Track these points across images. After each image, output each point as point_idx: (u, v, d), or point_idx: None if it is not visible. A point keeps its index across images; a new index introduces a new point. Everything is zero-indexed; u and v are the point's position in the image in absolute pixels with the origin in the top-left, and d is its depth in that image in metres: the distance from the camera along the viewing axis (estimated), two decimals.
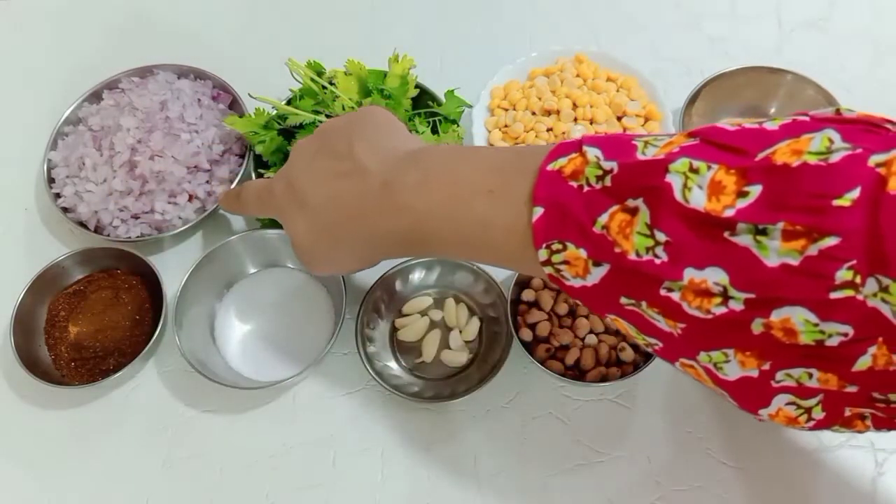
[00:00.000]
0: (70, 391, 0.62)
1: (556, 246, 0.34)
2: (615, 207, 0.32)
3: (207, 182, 0.67)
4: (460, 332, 0.63)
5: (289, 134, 0.65)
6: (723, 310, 0.29)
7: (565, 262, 0.34)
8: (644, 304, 0.32)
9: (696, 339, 0.31)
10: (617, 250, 0.32)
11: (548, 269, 0.35)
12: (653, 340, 0.34)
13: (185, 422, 0.61)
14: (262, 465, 0.59)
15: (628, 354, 0.58)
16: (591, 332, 0.59)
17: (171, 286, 0.63)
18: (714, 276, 0.29)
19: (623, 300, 0.33)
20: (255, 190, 0.52)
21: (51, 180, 0.68)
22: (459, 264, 0.63)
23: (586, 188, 0.33)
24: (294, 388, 0.62)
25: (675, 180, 0.30)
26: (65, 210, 0.66)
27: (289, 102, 0.67)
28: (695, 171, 0.30)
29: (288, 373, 0.59)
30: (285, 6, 0.83)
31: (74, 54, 0.81)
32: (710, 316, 0.30)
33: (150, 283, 0.64)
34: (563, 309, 0.60)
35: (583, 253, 0.33)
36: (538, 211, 0.34)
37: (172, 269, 0.65)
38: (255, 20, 0.83)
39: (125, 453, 0.60)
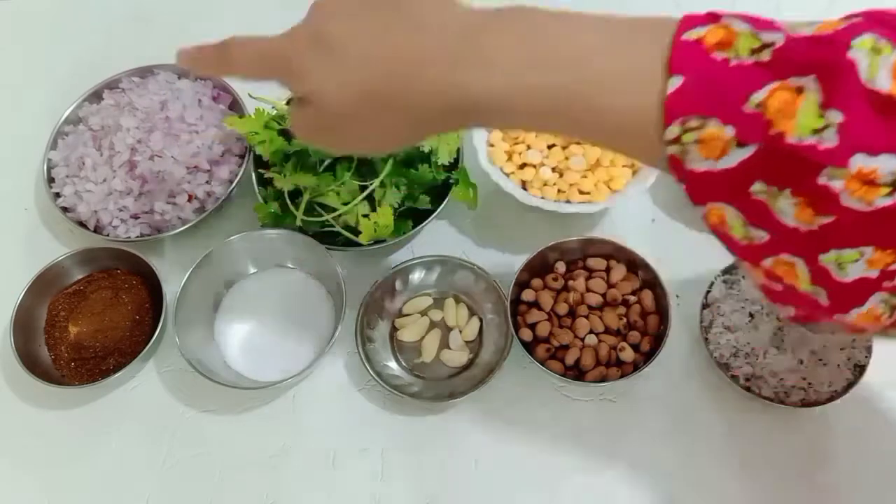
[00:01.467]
0: (70, 391, 0.62)
1: (692, 123, 0.30)
2: (775, 84, 0.29)
3: (207, 182, 0.66)
4: (460, 332, 0.63)
5: (289, 134, 0.64)
6: (887, 202, 0.28)
7: (698, 142, 0.31)
8: (787, 191, 0.30)
9: (835, 235, 0.30)
10: (773, 132, 0.29)
11: (672, 149, 0.31)
12: (757, 233, 0.31)
13: (185, 422, 0.61)
14: (262, 465, 0.59)
15: (628, 354, 0.58)
16: (591, 332, 0.59)
17: (171, 286, 0.63)
18: (889, 165, 0.27)
19: (756, 187, 0.30)
20: (258, 45, 0.43)
21: (51, 180, 0.68)
22: (459, 264, 0.63)
23: (734, 61, 0.30)
24: (294, 388, 0.62)
25: (859, 57, 0.27)
26: (64, 210, 0.66)
27: (289, 102, 0.67)
28: (877, 50, 0.28)
29: (288, 373, 0.59)
30: (285, 6, 0.83)
31: (74, 54, 0.81)
32: (870, 208, 0.28)
33: (150, 283, 0.64)
34: (563, 309, 0.60)
35: (728, 132, 0.30)
36: (675, 81, 0.30)
37: (172, 269, 0.65)
38: (256, 20, 0.82)
39: (125, 453, 0.60)
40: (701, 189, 0.32)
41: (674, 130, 0.31)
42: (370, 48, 0.37)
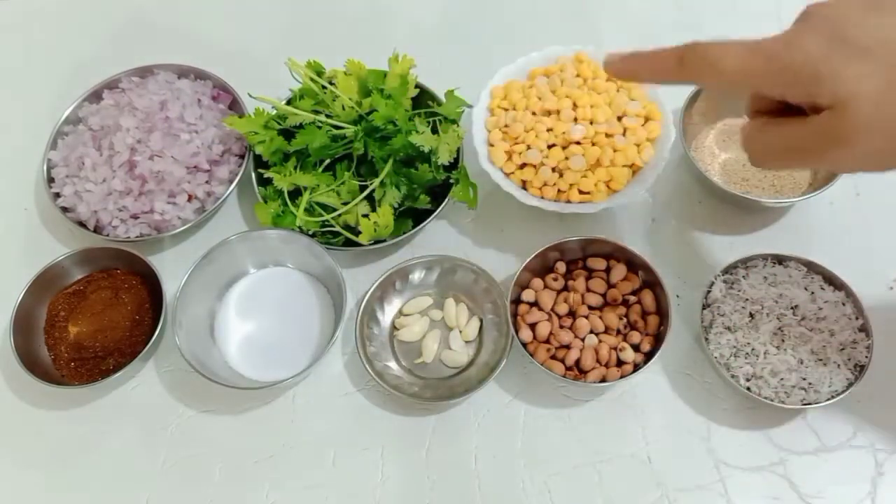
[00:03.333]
0: (70, 391, 0.62)
1: None
2: None
3: (207, 182, 0.66)
4: (460, 332, 0.63)
5: (289, 134, 0.65)
6: None
7: None
8: None
9: None
10: None
11: None
12: None
13: (185, 422, 0.61)
14: (262, 465, 0.59)
15: (628, 354, 0.58)
16: (591, 332, 0.59)
17: (171, 286, 0.63)
18: None
19: None
20: (755, 49, 0.40)
21: (50, 180, 0.68)
22: (459, 264, 0.63)
23: None
24: (294, 388, 0.62)
25: None
26: (64, 210, 0.66)
27: (289, 102, 0.67)
28: None
29: (288, 373, 0.59)
30: (285, 6, 0.83)
31: (74, 54, 0.81)
32: None
33: (150, 283, 0.64)
34: (563, 309, 0.60)
35: None
36: None
37: (172, 269, 0.65)
38: (256, 20, 0.83)
39: (125, 453, 0.60)
40: None
41: None
42: None
